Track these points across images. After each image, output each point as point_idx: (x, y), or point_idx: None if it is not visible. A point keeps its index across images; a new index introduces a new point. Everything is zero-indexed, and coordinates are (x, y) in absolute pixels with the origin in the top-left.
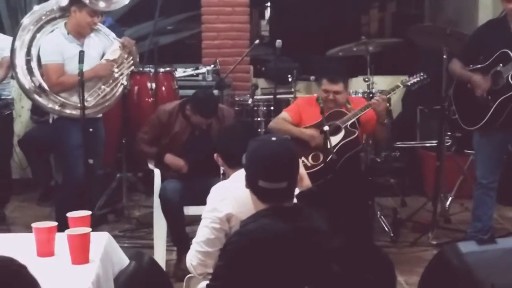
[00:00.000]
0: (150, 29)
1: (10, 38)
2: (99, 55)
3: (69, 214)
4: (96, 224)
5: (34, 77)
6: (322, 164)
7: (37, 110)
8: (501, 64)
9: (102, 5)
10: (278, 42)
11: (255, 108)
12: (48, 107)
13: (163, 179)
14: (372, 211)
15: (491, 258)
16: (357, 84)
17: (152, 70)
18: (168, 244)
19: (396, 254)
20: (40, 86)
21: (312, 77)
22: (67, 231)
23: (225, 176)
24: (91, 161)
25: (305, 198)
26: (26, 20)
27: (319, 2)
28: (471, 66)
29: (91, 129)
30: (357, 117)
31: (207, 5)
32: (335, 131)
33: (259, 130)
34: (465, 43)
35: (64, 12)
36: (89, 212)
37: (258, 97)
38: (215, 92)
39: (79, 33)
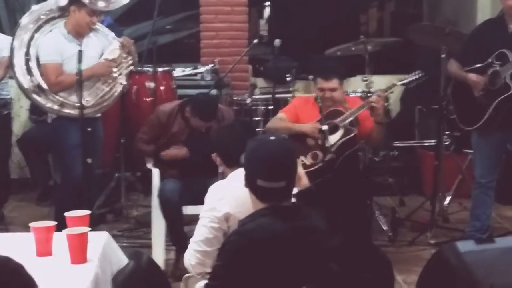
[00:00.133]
0: (149, 29)
1: (9, 38)
2: (98, 54)
3: (68, 214)
4: (95, 223)
5: (33, 76)
6: (321, 163)
7: (35, 110)
8: (499, 64)
9: (101, 4)
10: (277, 42)
11: (254, 107)
12: (47, 106)
13: (161, 179)
14: (371, 210)
15: (490, 257)
16: (356, 84)
17: (151, 70)
18: (167, 243)
19: (394, 253)
20: (39, 86)
21: (310, 76)
22: (65, 231)
23: (223, 176)
24: (89, 160)
25: (304, 197)
26: (25, 20)
27: (318, 2)
28: (469, 66)
29: (89, 129)
30: (354, 115)
31: (206, 5)
32: (333, 130)
33: (257, 129)
34: (463, 43)
35: (63, 11)
36: (87, 212)
37: (257, 97)
38: (214, 91)
39: (78, 33)
